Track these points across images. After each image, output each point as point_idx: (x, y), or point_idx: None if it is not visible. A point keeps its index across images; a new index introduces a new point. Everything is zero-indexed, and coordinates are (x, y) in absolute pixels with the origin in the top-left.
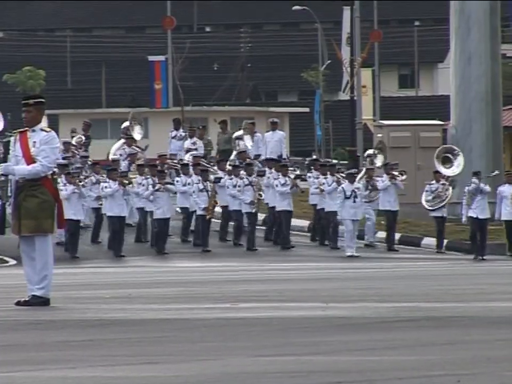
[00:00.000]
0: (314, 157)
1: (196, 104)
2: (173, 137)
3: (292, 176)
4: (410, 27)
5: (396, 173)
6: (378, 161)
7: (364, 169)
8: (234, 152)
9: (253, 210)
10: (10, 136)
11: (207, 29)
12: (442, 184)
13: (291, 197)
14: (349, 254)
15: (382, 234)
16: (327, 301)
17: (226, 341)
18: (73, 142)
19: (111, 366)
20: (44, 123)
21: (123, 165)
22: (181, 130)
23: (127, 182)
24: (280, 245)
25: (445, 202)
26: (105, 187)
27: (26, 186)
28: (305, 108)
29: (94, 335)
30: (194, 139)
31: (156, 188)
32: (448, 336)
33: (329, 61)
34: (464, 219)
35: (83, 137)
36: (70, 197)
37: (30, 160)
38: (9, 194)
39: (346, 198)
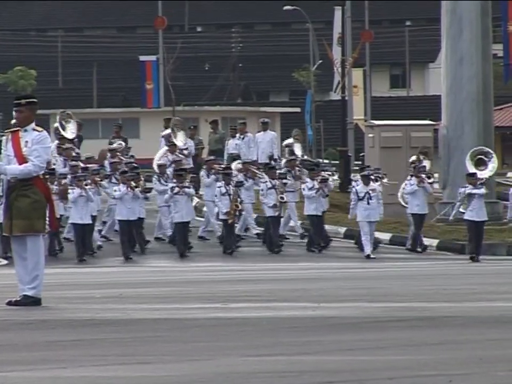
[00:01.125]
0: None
1: (187, 104)
2: (163, 137)
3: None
4: (401, 27)
5: (424, 176)
6: (297, 150)
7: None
8: (284, 160)
9: (276, 214)
10: (2, 135)
11: (198, 29)
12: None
13: (320, 201)
14: (367, 253)
15: (386, 236)
16: (318, 300)
17: (217, 340)
18: (113, 147)
19: (102, 366)
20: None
21: (168, 171)
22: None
23: (134, 185)
24: (307, 248)
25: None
26: (115, 190)
27: (18, 186)
28: (296, 108)
29: (85, 335)
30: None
31: (175, 191)
32: (440, 336)
33: (320, 61)
34: (451, 218)
35: (123, 143)
36: (77, 201)
37: (21, 159)
38: (0, 194)
39: (360, 199)
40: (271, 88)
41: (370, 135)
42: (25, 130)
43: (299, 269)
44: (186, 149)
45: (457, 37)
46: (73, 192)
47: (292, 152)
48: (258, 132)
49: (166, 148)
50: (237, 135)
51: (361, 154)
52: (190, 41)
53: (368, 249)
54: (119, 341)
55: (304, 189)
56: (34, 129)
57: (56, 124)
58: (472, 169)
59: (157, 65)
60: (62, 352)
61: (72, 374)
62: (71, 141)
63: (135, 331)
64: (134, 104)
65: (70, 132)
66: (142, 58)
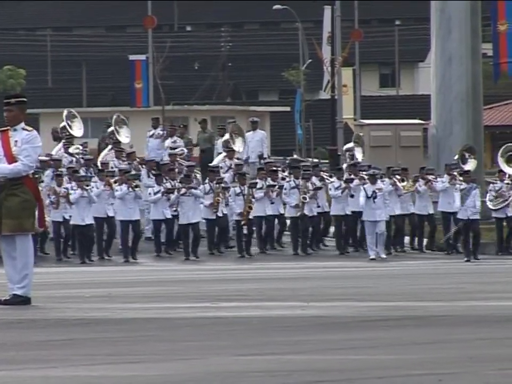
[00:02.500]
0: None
1: (177, 103)
2: (150, 136)
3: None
4: (391, 26)
5: (456, 173)
6: (358, 155)
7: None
8: (344, 165)
9: (297, 214)
10: None
11: (188, 28)
12: (507, 183)
13: (346, 201)
14: (372, 257)
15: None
16: (308, 300)
17: (208, 340)
18: (174, 152)
19: (92, 365)
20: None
21: (227, 176)
22: (159, 128)
23: (135, 184)
24: (338, 250)
25: (508, 201)
26: (116, 190)
27: (7, 186)
28: (286, 107)
29: (75, 334)
30: (175, 138)
31: (181, 192)
32: (430, 335)
33: (310, 60)
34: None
35: (185, 150)
36: (79, 202)
37: (11, 159)
38: None
39: (368, 198)
40: (260, 87)
41: (361, 134)
42: (15, 130)
43: (289, 268)
44: (176, 148)
45: (447, 36)
46: (75, 193)
47: (352, 157)
48: (248, 131)
49: (224, 154)
50: (226, 134)
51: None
52: (179, 40)
53: (372, 252)
54: (109, 340)
55: (330, 189)
56: (24, 129)
57: (111, 128)
58: (504, 166)
59: (146, 64)
60: (52, 351)
61: (62, 374)
62: (119, 144)
63: (125, 330)
64: (123, 104)
65: (124, 136)
66: (131, 57)
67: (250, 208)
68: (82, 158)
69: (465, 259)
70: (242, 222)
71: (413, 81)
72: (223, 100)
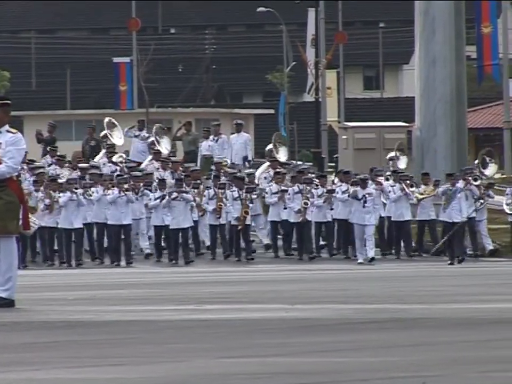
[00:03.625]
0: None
1: (161, 106)
2: (135, 136)
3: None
4: (375, 28)
5: (470, 178)
6: (402, 163)
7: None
8: (388, 172)
9: (299, 220)
10: None
11: (172, 31)
12: None
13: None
14: (360, 261)
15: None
16: (292, 302)
17: (191, 342)
18: (219, 160)
19: (76, 367)
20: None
21: (267, 186)
22: (144, 131)
23: (126, 188)
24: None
25: None
26: (108, 194)
27: None
28: (270, 109)
29: (59, 337)
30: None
31: (173, 196)
32: (414, 338)
33: (294, 63)
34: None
35: (228, 160)
36: (67, 205)
37: None
38: None
39: (358, 200)
40: (244, 89)
41: (344, 137)
42: None
43: (272, 270)
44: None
45: (431, 38)
46: (64, 196)
47: (395, 165)
48: (232, 133)
49: (268, 163)
50: (211, 136)
51: (335, 156)
52: (163, 42)
53: (361, 256)
54: (93, 342)
55: (337, 193)
56: (8, 131)
57: (152, 138)
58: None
59: (130, 67)
60: (36, 354)
61: (45, 376)
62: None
63: (108, 333)
64: (107, 106)
65: (164, 147)
66: (115, 60)
67: (247, 212)
68: (126, 166)
69: (449, 262)
70: (239, 227)
71: (397, 83)
72: (207, 102)
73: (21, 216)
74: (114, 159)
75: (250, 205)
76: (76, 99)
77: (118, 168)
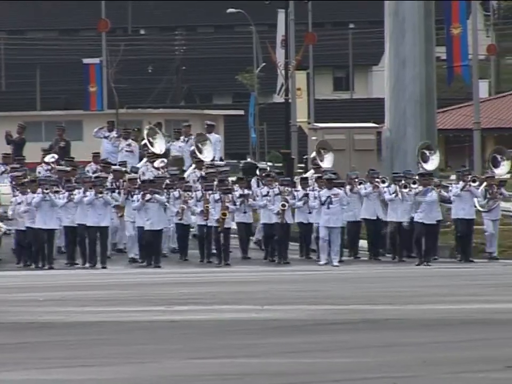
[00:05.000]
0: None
1: (131, 107)
2: (105, 137)
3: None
4: (344, 29)
5: (469, 179)
6: (431, 164)
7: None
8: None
9: (279, 221)
10: None
11: (142, 32)
12: None
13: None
14: (321, 262)
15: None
16: (262, 303)
17: (161, 343)
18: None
19: (46, 368)
20: None
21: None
22: (114, 132)
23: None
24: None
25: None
26: (85, 196)
27: None
28: (240, 110)
29: (29, 338)
30: (129, 141)
31: (146, 198)
32: (384, 339)
33: (264, 64)
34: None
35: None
36: (41, 206)
37: None
38: None
39: (322, 204)
40: (214, 90)
41: (314, 138)
42: None
43: (243, 271)
44: (131, 151)
45: (400, 39)
46: (37, 197)
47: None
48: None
49: (312, 171)
50: (181, 137)
51: (304, 157)
52: (133, 43)
53: (324, 257)
54: (63, 343)
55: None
56: None
57: (144, 141)
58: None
59: (100, 68)
60: (6, 355)
61: (16, 377)
62: (158, 155)
63: (78, 334)
64: (77, 107)
65: (158, 147)
66: (85, 61)
67: (225, 214)
68: (167, 171)
69: (417, 263)
70: (219, 229)
71: (367, 84)
72: (177, 103)
73: None
74: (156, 164)
75: (232, 206)
76: (45, 100)
77: (160, 172)
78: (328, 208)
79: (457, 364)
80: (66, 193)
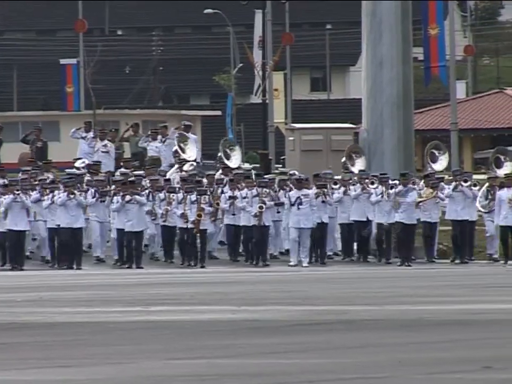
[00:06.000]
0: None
1: (108, 107)
2: (82, 137)
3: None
4: (322, 30)
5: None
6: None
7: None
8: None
9: (256, 223)
10: None
11: (119, 32)
12: None
13: (322, 209)
14: (292, 263)
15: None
16: (239, 304)
17: (139, 344)
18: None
19: (24, 369)
20: None
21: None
22: (91, 132)
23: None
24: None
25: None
26: (59, 197)
27: None
28: (217, 111)
29: (6, 339)
30: (106, 141)
31: (126, 199)
32: (360, 339)
33: (241, 64)
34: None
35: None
36: (12, 207)
37: None
38: None
39: (291, 205)
40: (191, 91)
41: (291, 138)
42: None
43: (220, 272)
44: (107, 151)
45: (377, 40)
46: (7, 198)
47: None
48: (176, 128)
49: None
50: (159, 137)
51: (282, 158)
52: (110, 44)
53: (294, 258)
54: (41, 344)
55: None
56: None
57: (220, 154)
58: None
59: (77, 68)
60: None
61: None
62: (231, 169)
63: (56, 334)
64: (54, 107)
65: (235, 159)
66: (62, 61)
67: (200, 216)
68: (195, 174)
69: (399, 263)
70: (195, 231)
71: (344, 85)
72: (154, 103)
73: None
74: (185, 168)
75: (209, 208)
76: (22, 100)
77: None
78: (298, 209)
79: (434, 365)
80: (38, 194)
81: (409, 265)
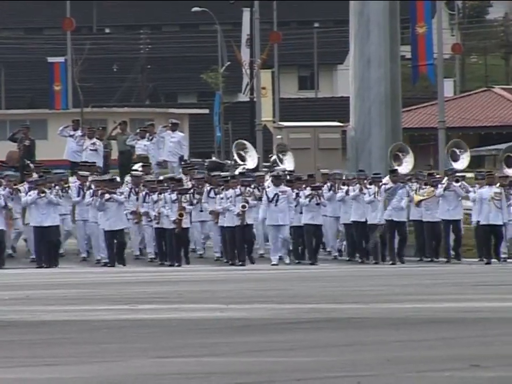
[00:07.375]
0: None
1: (96, 106)
2: (70, 136)
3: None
4: (310, 28)
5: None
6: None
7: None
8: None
9: (239, 222)
10: None
11: (107, 30)
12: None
13: (316, 210)
14: (273, 262)
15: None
16: (227, 302)
17: (126, 342)
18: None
19: (10, 367)
20: None
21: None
22: (79, 131)
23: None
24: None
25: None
26: (29, 195)
27: None
28: (205, 109)
29: None
30: (94, 140)
31: (106, 197)
32: (348, 338)
33: (229, 63)
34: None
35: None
36: None
37: None
38: None
39: (269, 201)
40: (179, 89)
41: (279, 137)
42: None
43: (207, 270)
44: (95, 150)
45: (365, 38)
46: None
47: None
48: (164, 126)
49: (388, 177)
50: (147, 135)
51: (269, 156)
52: (98, 42)
53: (275, 257)
54: (27, 342)
55: (300, 197)
56: None
57: (274, 157)
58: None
59: (65, 66)
60: None
61: None
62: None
63: (43, 333)
64: (42, 106)
65: (287, 163)
66: (50, 59)
67: (181, 215)
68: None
69: (391, 262)
70: (176, 230)
71: (332, 83)
72: (142, 102)
73: None
74: (237, 172)
75: (189, 207)
76: (10, 99)
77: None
78: (276, 205)
79: (422, 363)
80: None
81: (402, 262)
